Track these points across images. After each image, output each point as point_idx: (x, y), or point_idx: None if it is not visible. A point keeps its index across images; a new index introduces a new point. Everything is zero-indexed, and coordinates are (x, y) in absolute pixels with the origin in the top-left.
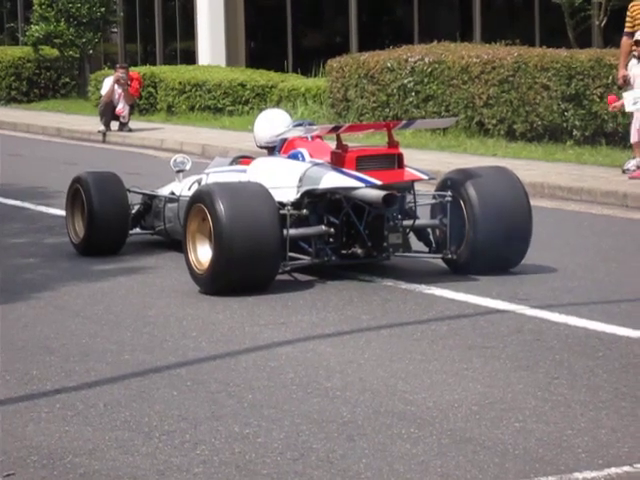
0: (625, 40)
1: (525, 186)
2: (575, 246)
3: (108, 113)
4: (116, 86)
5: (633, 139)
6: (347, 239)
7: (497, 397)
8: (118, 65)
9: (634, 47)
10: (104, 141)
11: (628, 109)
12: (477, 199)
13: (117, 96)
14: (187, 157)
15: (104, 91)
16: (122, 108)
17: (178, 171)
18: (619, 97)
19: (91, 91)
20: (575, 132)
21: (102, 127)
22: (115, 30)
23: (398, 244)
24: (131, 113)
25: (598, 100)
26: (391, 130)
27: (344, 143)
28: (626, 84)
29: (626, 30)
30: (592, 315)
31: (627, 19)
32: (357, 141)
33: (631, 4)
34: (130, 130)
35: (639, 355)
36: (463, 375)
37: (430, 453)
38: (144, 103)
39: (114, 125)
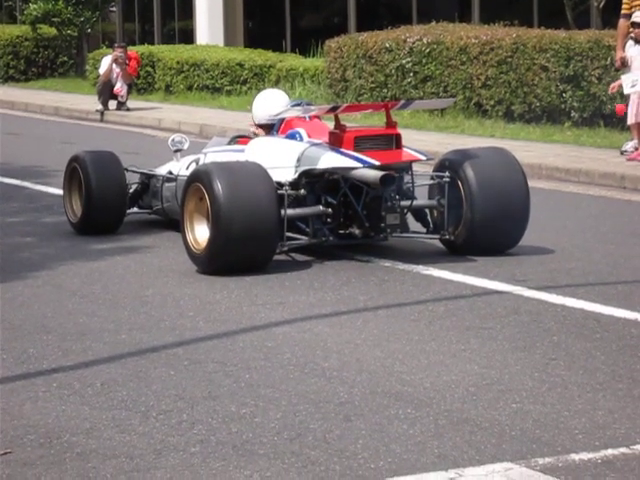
0: (622, 22)
1: (523, 167)
2: (573, 227)
3: (106, 92)
4: (114, 65)
5: (630, 121)
6: (345, 219)
7: (494, 378)
8: (116, 44)
9: (631, 29)
10: (102, 120)
11: (626, 91)
12: (475, 180)
13: (115, 75)
14: (185, 137)
15: (102, 70)
16: (120, 87)
17: (176, 150)
18: (627, 105)
19: (89, 70)
20: (573, 113)
21: (100, 106)
22: (114, 9)
23: (396, 224)
24: (129, 92)
25: (596, 81)
26: (389, 110)
27: (342, 123)
28: (624, 66)
29: (623, 12)
30: (589, 296)
31: (624, 1)
32: (355, 121)
33: None
34: (128, 109)
35: (636, 336)
36: (460, 356)
37: (427, 434)
38: (142, 82)
39: (112, 104)
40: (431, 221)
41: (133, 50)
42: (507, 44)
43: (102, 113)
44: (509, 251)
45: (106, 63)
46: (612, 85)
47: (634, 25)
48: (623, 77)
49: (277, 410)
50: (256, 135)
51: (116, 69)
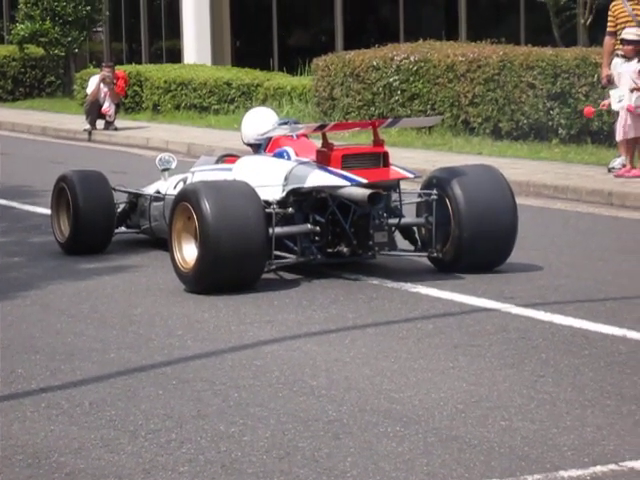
0: (608, 40)
1: (511, 184)
2: (561, 244)
3: (94, 112)
4: (102, 85)
5: (618, 137)
6: (333, 238)
7: (483, 395)
8: (104, 64)
9: (618, 46)
10: (90, 140)
11: (614, 107)
12: (463, 197)
13: (103, 95)
14: (172, 156)
15: (90, 90)
16: (108, 107)
17: (164, 170)
18: (594, 107)
19: (77, 90)
20: (561, 130)
21: (87, 126)
22: (100, 29)
23: (384, 242)
24: (117, 112)
25: (584, 99)
26: (376, 128)
27: (330, 142)
28: (610, 83)
29: (608, 30)
30: (578, 313)
31: (609, 19)
32: (343, 140)
33: (612, 4)
34: (116, 129)
35: (624, 353)
36: (449, 373)
37: (416, 451)
38: (130, 102)
39: (100, 124)
40: (419, 239)
41: (121, 69)
42: (494, 62)
43: (90, 133)
44: (497, 268)
45: (94, 83)
46: (602, 102)
47: (623, 42)
48: (611, 92)
49: (266, 429)
50: None
51: (104, 89)
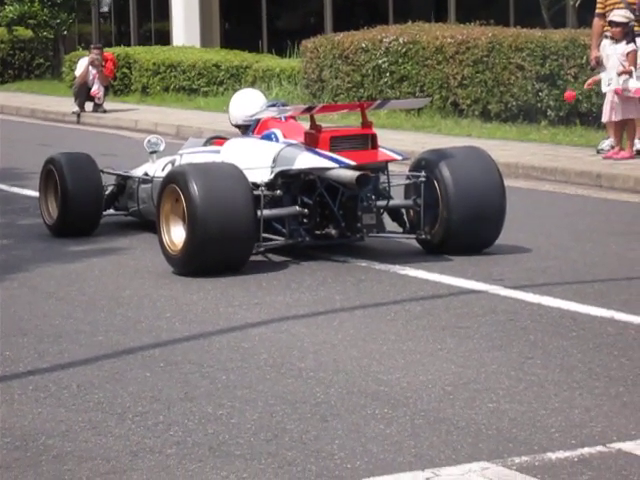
0: (596, 21)
1: (499, 166)
2: (549, 226)
3: (82, 94)
4: (90, 67)
5: (605, 119)
6: (321, 220)
7: (471, 377)
8: (92, 45)
9: (607, 28)
10: (78, 122)
11: (603, 89)
12: (451, 179)
13: (92, 77)
14: (161, 138)
15: (78, 72)
16: (97, 89)
17: (152, 152)
18: (575, 91)
19: (65, 72)
20: (549, 112)
21: (76, 108)
22: (106, 10)
23: (372, 224)
24: (106, 94)
25: (572, 80)
26: (365, 110)
27: (318, 124)
28: (599, 65)
29: (597, 11)
30: (566, 295)
31: (598, 0)
32: (331, 122)
33: None
34: (105, 111)
35: (613, 335)
36: (437, 355)
37: (404, 433)
38: (118, 84)
39: (88, 106)
40: (407, 221)
41: (109, 52)
42: (483, 43)
43: (78, 115)
44: (485, 250)
45: (82, 65)
46: (588, 82)
47: (611, 24)
48: (602, 75)
49: (253, 411)
50: None
51: (92, 71)
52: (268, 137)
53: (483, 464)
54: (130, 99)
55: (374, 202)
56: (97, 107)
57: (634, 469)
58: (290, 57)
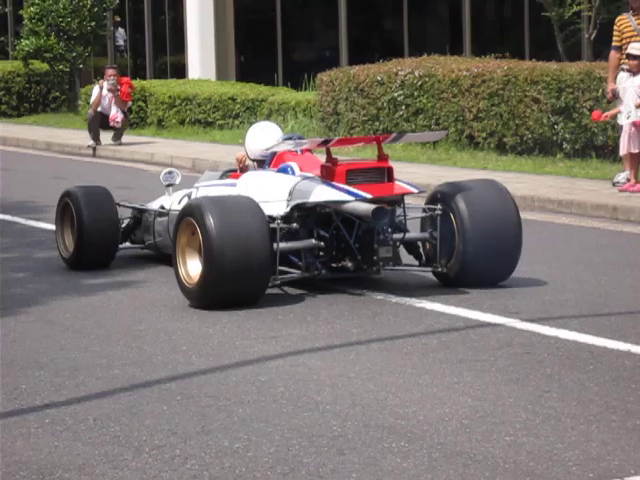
0: (613, 54)
1: (515, 199)
2: (565, 259)
3: (95, 127)
4: (105, 91)
5: (622, 152)
6: (337, 252)
7: (487, 411)
8: (107, 66)
9: (624, 60)
10: (94, 155)
11: (621, 122)
12: (467, 212)
13: (107, 102)
14: (177, 171)
15: (91, 100)
16: (116, 113)
17: (168, 185)
18: (602, 112)
19: (81, 105)
20: (565, 145)
21: (91, 142)
22: (122, 44)
23: (388, 257)
24: (127, 119)
25: (588, 113)
26: (381, 143)
27: (334, 157)
28: (615, 98)
29: (614, 44)
30: (582, 328)
31: (615, 33)
32: (347, 155)
33: (618, 18)
34: (121, 144)
35: (629, 368)
36: (453, 389)
37: (420, 467)
38: (134, 117)
39: (107, 137)
40: (424, 254)
41: (126, 76)
42: (499, 76)
43: (94, 149)
44: (502, 283)
45: (95, 93)
46: (605, 114)
47: (629, 57)
48: (621, 108)
49: (270, 444)
50: (242, 169)
51: (108, 95)
52: (284, 170)
53: None
54: (146, 132)
55: (390, 235)
56: (117, 134)
57: None
58: (306, 90)
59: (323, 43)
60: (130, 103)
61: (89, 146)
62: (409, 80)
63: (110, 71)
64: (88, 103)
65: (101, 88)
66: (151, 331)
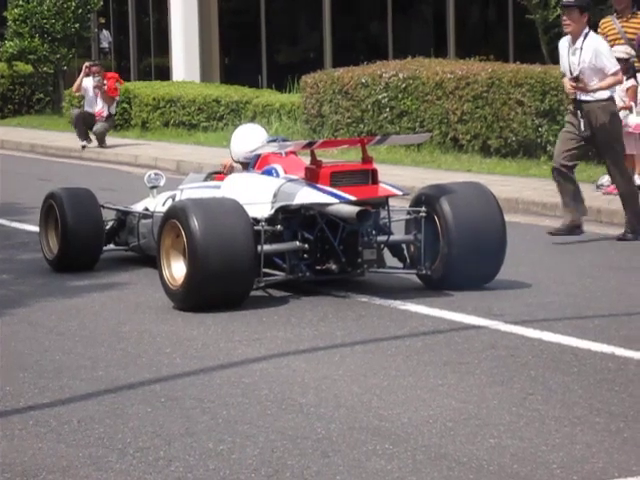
0: None
1: (499, 202)
2: (549, 262)
3: (80, 124)
4: (91, 86)
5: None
6: (321, 255)
7: (472, 413)
8: (90, 63)
9: None
10: (82, 154)
11: None
12: (451, 215)
13: (93, 96)
14: (161, 173)
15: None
16: (102, 108)
17: (152, 187)
18: None
19: (65, 107)
20: (549, 148)
21: (80, 142)
22: (106, 46)
23: (372, 260)
24: (114, 114)
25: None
26: (365, 146)
27: (318, 159)
28: None
29: None
30: (566, 330)
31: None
32: (331, 157)
33: (602, 21)
34: (102, 146)
35: (613, 370)
36: (438, 391)
37: (405, 469)
38: (118, 119)
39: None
40: (408, 256)
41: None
42: (483, 79)
43: (83, 147)
44: (486, 285)
45: (80, 77)
46: None
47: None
48: None
49: (255, 447)
50: (227, 171)
51: (94, 90)
52: (269, 172)
53: None
54: (130, 134)
55: (375, 237)
56: (107, 121)
57: None
58: (290, 92)
59: (307, 45)
60: (117, 97)
61: (83, 147)
62: (393, 82)
63: (95, 68)
64: (72, 105)
65: (86, 75)
66: (135, 333)
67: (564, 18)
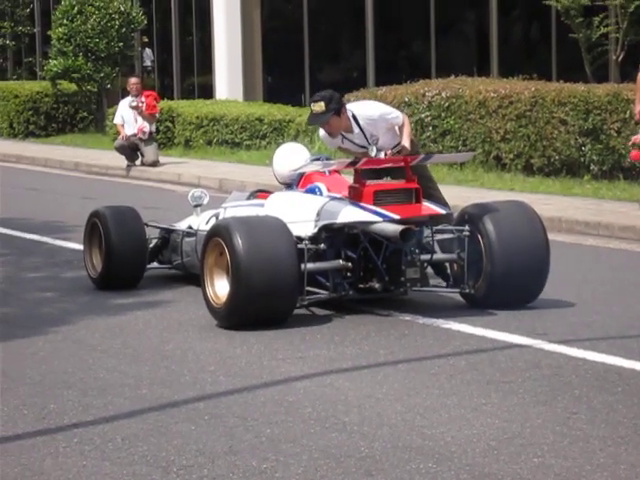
0: None
1: (543, 220)
2: (593, 281)
3: (126, 152)
4: (131, 110)
5: None
6: (365, 273)
7: (515, 432)
8: (132, 79)
9: None
10: (127, 175)
11: None
12: (495, 233)
13: (132, 117)
14: (205, 191)
15: (116, 120)
16: (142, 125)
17: (196, 205)
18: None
19: (109, 125)
20: (592, 167)
21: (127, 162)
22: (149, 64)
23: (416, 278)
24: (155, 131)
25: (615, 135)
26: (409, 165)
27: (362, 178)
28: None
29: None
30: (610, 350)
31: None
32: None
33: None
34: (143, 164)
35: None
36: (481, 410)
37: None
38: (162, 137)
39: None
40: (451, 275)
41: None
42: (526, 98)
43: (129, 166)
44: (529, 304)
45: (119, 116)
46: (635, 137)
47: None
48: None
49: (298, 465)
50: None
51: (132, 112)
52: (312, 191)
53: None
54: (173, 152)
55: (418, 256)
56: (150, 137)
57: None
58: None
59: (350, 64)
60: (157, 114)
61: (128, 166)
62: (436, 101)
63: (133, 80)
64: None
65: (129, 106)
66: (179, 351)
67: None
